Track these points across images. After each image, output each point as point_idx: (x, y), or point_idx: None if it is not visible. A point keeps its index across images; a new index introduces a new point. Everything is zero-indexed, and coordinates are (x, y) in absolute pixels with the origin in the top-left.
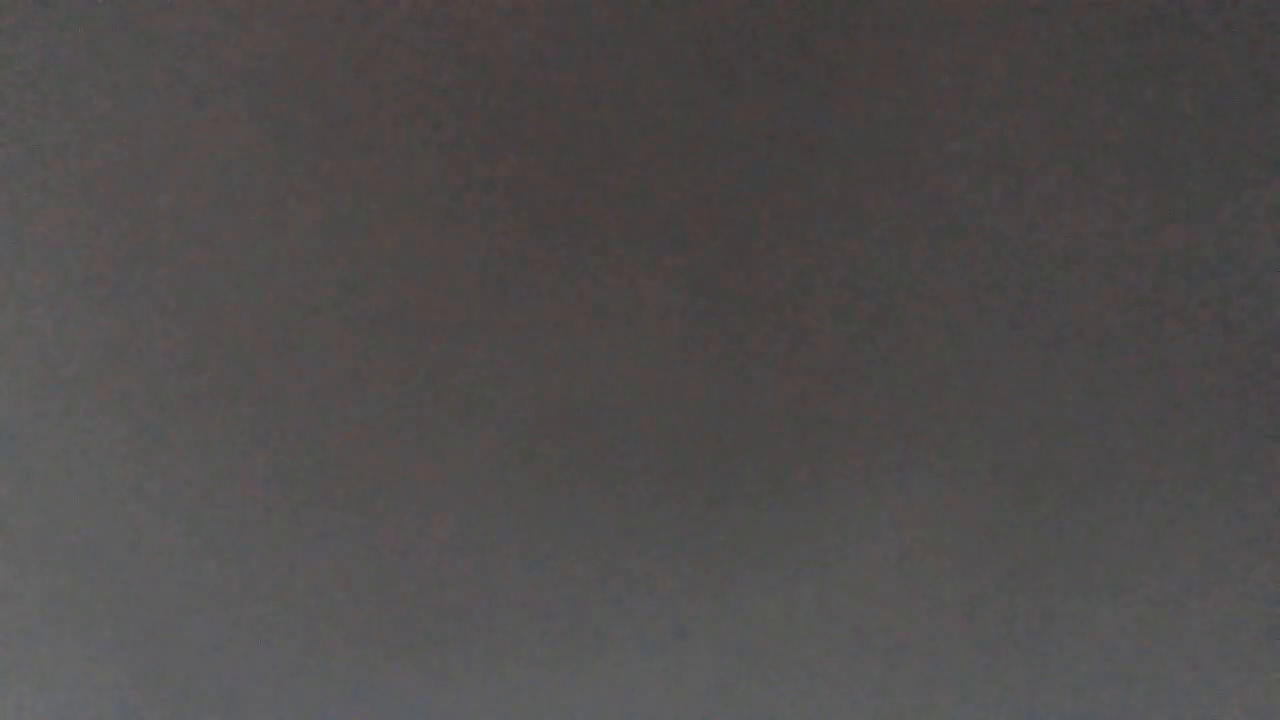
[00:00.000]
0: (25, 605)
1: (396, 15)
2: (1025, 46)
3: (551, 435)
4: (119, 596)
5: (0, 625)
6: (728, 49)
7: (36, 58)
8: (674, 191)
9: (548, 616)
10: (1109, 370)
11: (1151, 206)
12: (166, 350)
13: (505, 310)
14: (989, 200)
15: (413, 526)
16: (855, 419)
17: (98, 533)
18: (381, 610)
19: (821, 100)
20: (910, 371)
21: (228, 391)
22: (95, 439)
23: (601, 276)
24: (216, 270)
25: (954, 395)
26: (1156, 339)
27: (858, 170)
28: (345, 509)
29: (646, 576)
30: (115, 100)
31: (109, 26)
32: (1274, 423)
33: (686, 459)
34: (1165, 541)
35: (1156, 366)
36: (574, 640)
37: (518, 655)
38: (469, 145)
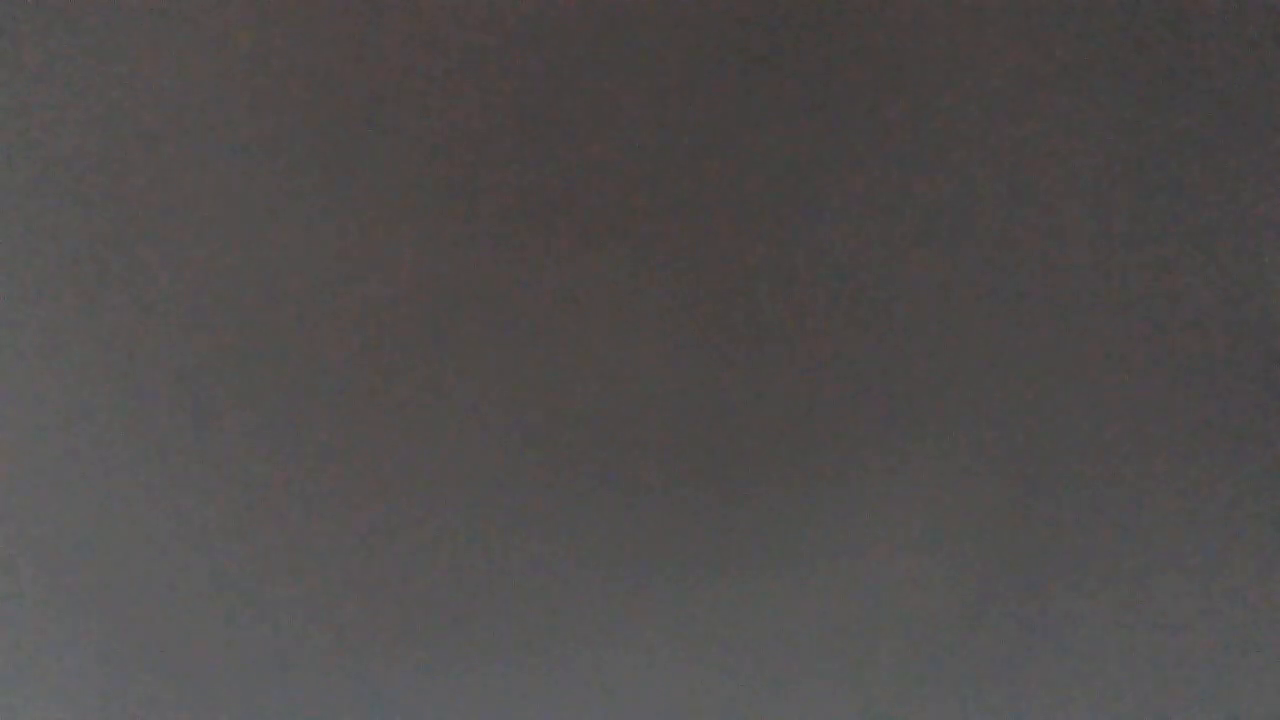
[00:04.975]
0: (25, 605)
1: (395, 15)
2: (1026, 46)
3: (550, 434)
4: (117, 596)
5: (0, 625)
6: (726, 48)
7: (36, 58)
8: (675, 190)
9: (546, 615)
10: (1108, 369)
11: (1151, 205)
12: (166, 350)
13: (504, 309)
14: (989, 199)
15: (412, 526)
16: (855, 417)
17: (96, 533)
18: (381, 610)
19: (821, 98)
20: (910, 370)
21: (225, 391)
22: (94, 438)
23: (601, 276)
24: (215, 270)
25: (954, 393)
26: (1156, 336)
27: (857, 168)
28: (344, 508)
29: (646, 576)
30: (115, 101)
31: (109, 26)
32: (1274, 420)
33: (686, 458)
34: (1165, 538)
35: (1156, 364)
36: (572, 639)
37: (515, 654)
38: (468, 145)
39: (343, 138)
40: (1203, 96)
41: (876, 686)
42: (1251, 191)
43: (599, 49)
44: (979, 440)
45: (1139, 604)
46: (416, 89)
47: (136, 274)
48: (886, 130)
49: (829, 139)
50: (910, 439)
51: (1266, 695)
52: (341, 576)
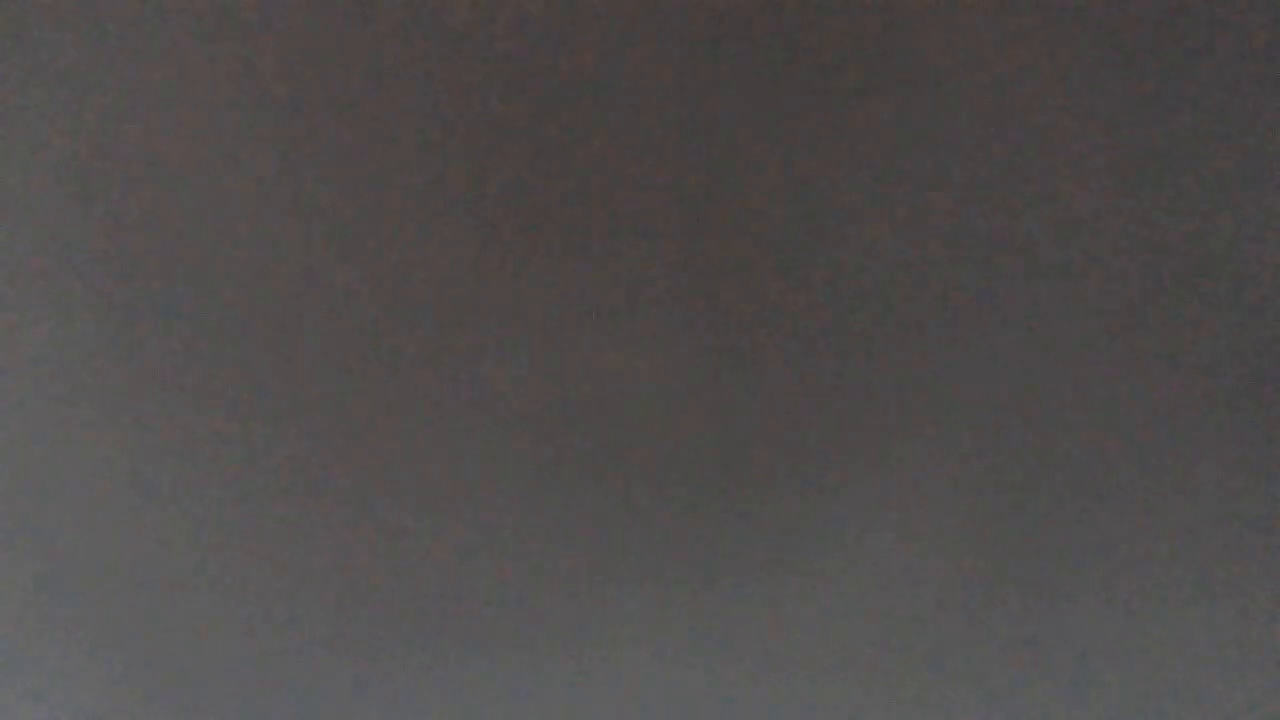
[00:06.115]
0: (24, 605)
1: (395, 15)
2: (1025, 46)
3: (548, 434)
4: (116, 596)
5: (0, 625)
6: (727, 48)
7: (36, 58)
8: (674, 190)
9: (545, 615)
10: (1108, 369)
11: (1151, 206)
12: (167, 350)
13: (503, 309)
14: (989, 199)
15: (411, 526)
16: (854, 417)
17: (96, 533)
18: (380, 610)
19: (821, 98)
20: (911, 371)
21: (226, 391)
22: (93, 438)
23: (601, 276)
24: (215, 270)
25: (953, 395)
26: (1156, 337)
27: (857, 168)
28: (343, 509)
29: (645, 576)
30: (116, 101)
31: (110, 26)
32: (1273, 421)
33: (686, 460)
34: (1165, 538)
35: (1155, 366)
36: (572, 639)
37: (514, 654)
38: (468, 144)
39: (343, 138)
40: (1203, 96)
41: (877, 686)
42: (1252, 191)
43: (602, 49)
44: (978, 441)
45: (1139, 603)
46: (418, 89)
47: (137, 274)
48: (886, 131)
49: (829, 140)
50: (911, 440)
51: (1267, 696)
52: (341, 576)
